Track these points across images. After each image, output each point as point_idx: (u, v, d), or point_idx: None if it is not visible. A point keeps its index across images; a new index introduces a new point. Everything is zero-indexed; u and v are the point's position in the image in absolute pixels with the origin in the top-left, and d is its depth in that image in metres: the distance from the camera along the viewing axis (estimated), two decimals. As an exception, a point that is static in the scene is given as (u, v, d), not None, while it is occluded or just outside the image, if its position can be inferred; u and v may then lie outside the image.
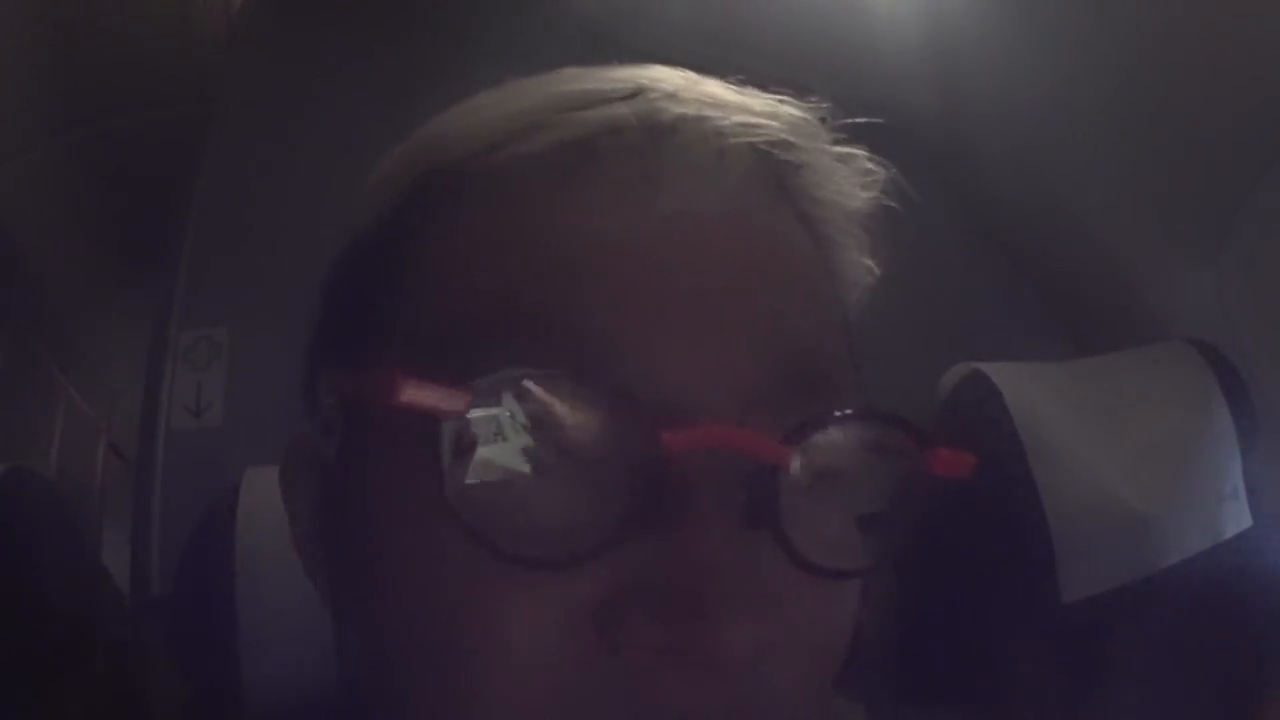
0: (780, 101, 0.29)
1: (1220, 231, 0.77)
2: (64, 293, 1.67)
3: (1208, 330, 0.77)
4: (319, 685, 0.47)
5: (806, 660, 0.26)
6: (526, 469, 0.24)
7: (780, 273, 0.27)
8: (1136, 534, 0.65)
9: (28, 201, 1.44)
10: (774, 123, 0.28)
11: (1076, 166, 0.87)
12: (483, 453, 0.23)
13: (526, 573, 0.22)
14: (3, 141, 1.34)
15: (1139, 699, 0.60)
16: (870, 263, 0.31)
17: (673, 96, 0.28)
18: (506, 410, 0.23)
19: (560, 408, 0.23)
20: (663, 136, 0.27)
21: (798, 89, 0.30)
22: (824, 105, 0.30)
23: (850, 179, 0.30)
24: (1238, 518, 0.70)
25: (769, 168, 0.28)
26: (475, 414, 0.23)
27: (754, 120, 0.28)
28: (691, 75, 0.30)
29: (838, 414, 0.26)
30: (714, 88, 0.29)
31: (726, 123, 0.27)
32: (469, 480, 0.23)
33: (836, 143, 0.30)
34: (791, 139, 0.28)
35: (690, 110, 0.27)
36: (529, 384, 0.23)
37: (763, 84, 0.30)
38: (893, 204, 0.31)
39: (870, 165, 0.30)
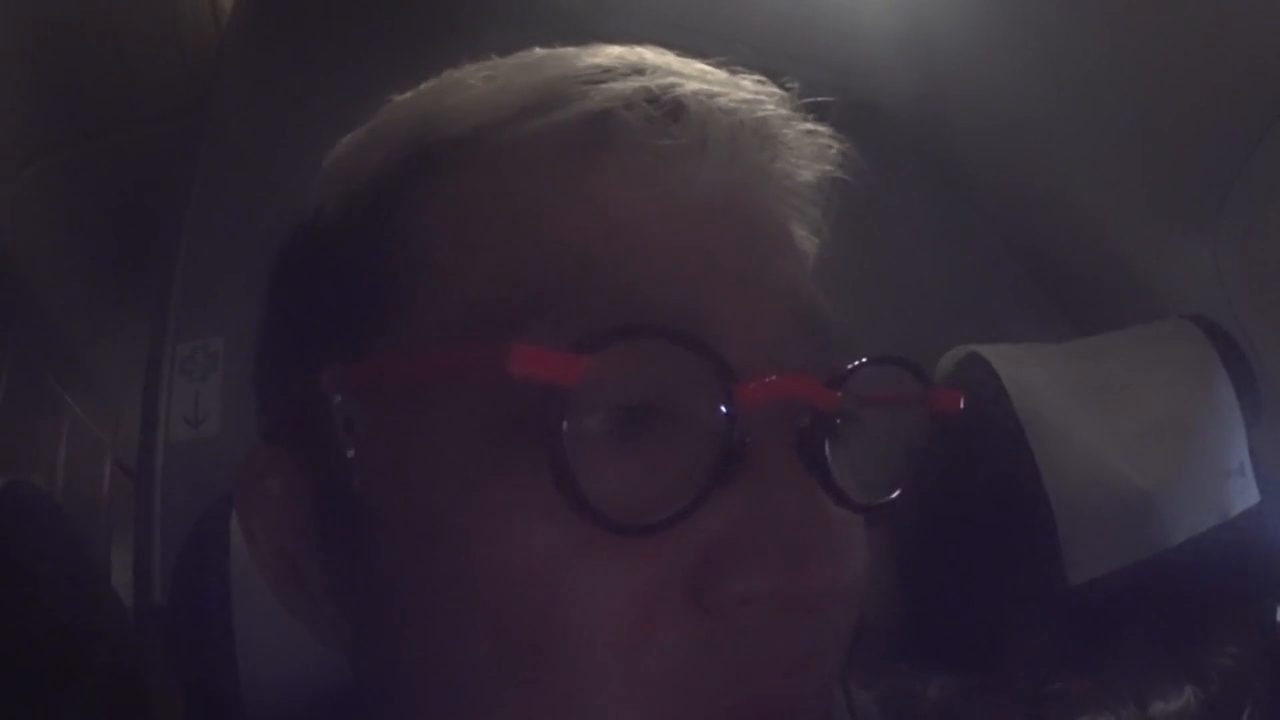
0: (761, 82, 0.31)
1: (1216, 202, 0.77)
2: (65, 310, 1.68)
3: (1207, 306, 0.77)
4: (319, 690, 0.47)
5: (854, 599, 0.28)
6: (615, 436, 0.24)
7: (784, 241, 0.30)
8: (1141, 512, 0.64)
9: (24, 220, 1.44)
10: (767, 100, 0.30)
11: (1065, 142, 0.86)
12: (591, 421, 0.24)
13: (626, 541, 0.23)
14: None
15: (1141, 675, 0.59)
16: (815, 235, 0.33)
17: (675, 73, 0.29)
18: (607, 377, 0.23)
19: (648, 373, 0.24)
20: (680, 112, 0.28)
21: (768, 73, 0.31)
22: (793, 85, 0.31)
23: (820, 155, 0.32)
24: (1244, 494, 0.69)
25: (765, 143, 0.30)
26: (594, 381, 0.23)
27: (752, 97, 0.29)
28: (674, 55, 0.31)
29: (868, 359, 0.28)
30: (704, 66, 0.30)
31: (731, 100, 0.28)
32: (578, 452, 0.23)
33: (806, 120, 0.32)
34: (783, 115, 0.30)
35: (699, 87, 0.28)
36: (629, 350, 0.23)
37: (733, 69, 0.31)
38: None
39: (831, 141, 0.32)
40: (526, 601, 0.23)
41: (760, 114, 0.29)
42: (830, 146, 0.32)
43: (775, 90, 0.31)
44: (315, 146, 0.34)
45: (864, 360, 0.28)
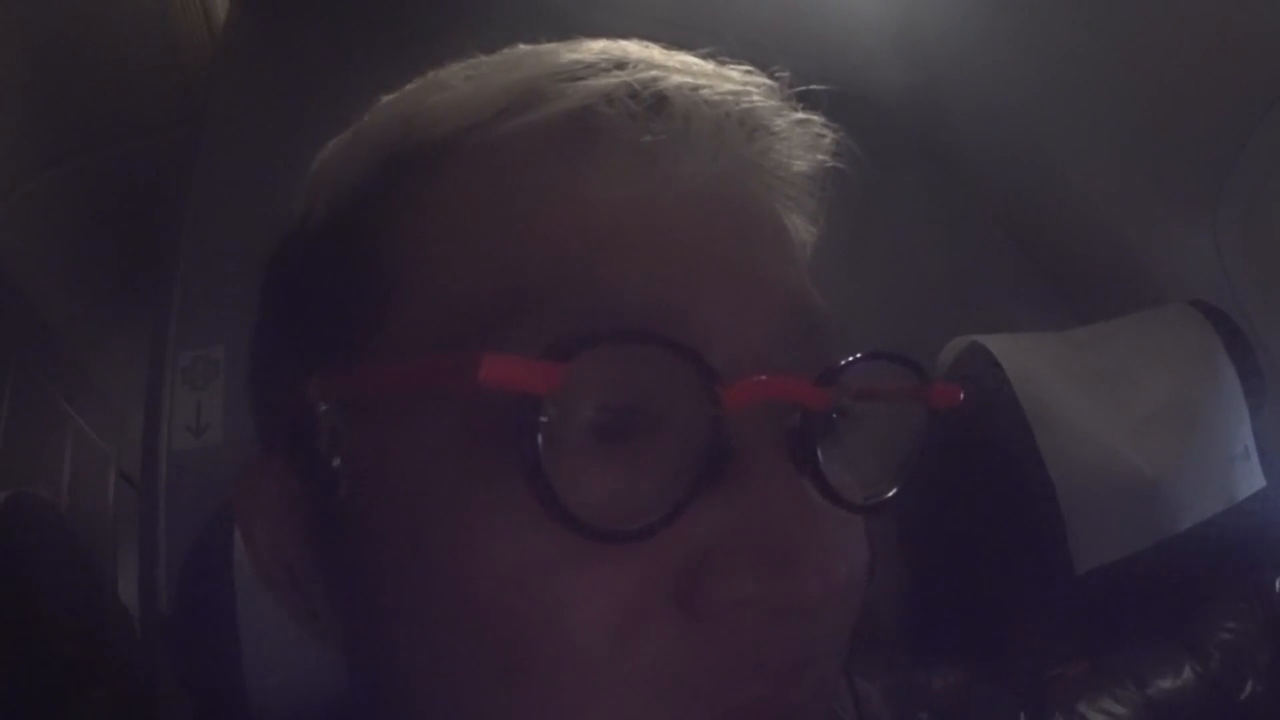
0: (749, 72, 0.30)
1: (1215, 186, 0.76)
2: (67, 322, 1.68)
3: (1208, 290, 0.76)
4: (323, 696, 0.47)
5: (850, 600, 0.27)
6: (598, 443, 0.24)
7: (774, 235, 0.29)
8: (1146, 499, 0.64)
9: (25, 233, 1.45)
10: (755, 91, 0.29)
11: (1062, 129, 0.86)
12: (571, 427, 0.23)
13: (609, 548, 0.22)
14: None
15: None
16: (812, 225, 0.33)
17: (659, 65, 0.28)
18: (585, 383, 0.23)
19: (629, 378, 0.24)
20: (663, 105, 0.27)
21: (759, 66, 0.31)
22: (783, 74, 0.30)
23: (813, 144, 0.31)
24: (1250, 478, 0.69)
25: (752, 134, 0.29)
26: (569, 389, 0.22)
27: (738, 89, 0.28)
28: (659, 48, 0.30)
29: (860, 355, 0.27)
30: (688, 58, 0.30)
31: (716, 92, 0.28)
32: (552, 459, 0.22)
33: (796, 110, 0.31)
34: (771, 105, 0.29)
35: (682, 79, 0.28)
36: (607, 355, 0.23)
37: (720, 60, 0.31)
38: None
39: (823, 130, 0.31)
40: (511, 612, 0.23)
41: (746, 105, 0.28)
42: (823, 136, 0.31)
43: (763, 81, 0.30)
44: (312, 152, 0.33)
45: (857, 356, 0.27)
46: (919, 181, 0.95)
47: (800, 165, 0.31)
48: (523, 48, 0.30)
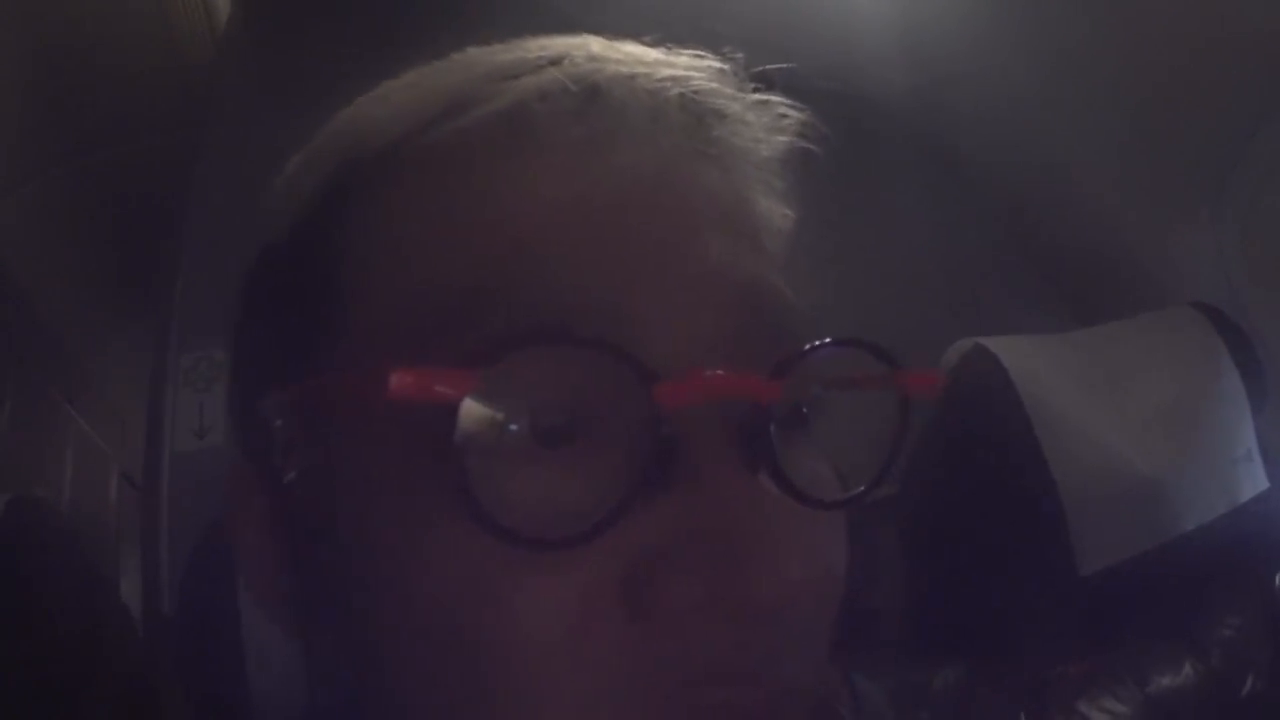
0: (698, 56, 0.29)
1: (1217, 187, 0.76)
2: (68, 324, 1.68)
3: (1210, 291, 0.76)
4: (323, 698, 0.47)
5: (819, 599, 0.26)
6: (532, 448, 0.23)
7: (729, 221, 0.27)
8: (1150, 500, 0.64)
9: (26, 236, 1.45)
10: (698, 75, 0.28)
11: (1064, 130, 0.86)
12: (490, 436, 0.22)
13: (548, 556, 0.22)
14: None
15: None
16: (787, 209, 0.31)
17: (597, 58, 0.27)
18: (513, 389, 0.22)
19: (562, 380, 0.23)
20: (596, 98, 0.26)
21: (756, 64, 0.30)
22: (738, 56, 0.29)
23: (776, 126, 0.30)
24: (1253, 480, 0.69)
25: (699, 119, 0.28)
26: (484, 396, 0.22)
27: (680, 73, 0.27)
28: (603, 40, 0.29)
29: (815, 344, 0.26)
30: (633, 47, 0.29)
31: (654, 79, 0.27)
32: (481, 469, 0.22)
33: (755, 91, 0.30)
34: (717, 88, 0.28)
35: (617, 70, 0.27)
36: (534, 358, 0.22)
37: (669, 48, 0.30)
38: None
39: (786, 111, 0.30)
40: (458, 626, 0.23)
41: (688, 90, 0.27)
42: (787, 117, 0.30)
43: (711, 64, 0.29)
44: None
45: (811, 346, 0.26)
46: (919, 181, 0.94)
47: (764, 148, 0.30)
48: (470, 50, 0.30)
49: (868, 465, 0.27)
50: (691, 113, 0.28)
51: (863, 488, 0.27)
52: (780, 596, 0.22)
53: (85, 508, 1.64)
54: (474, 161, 0.26)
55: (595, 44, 0.29)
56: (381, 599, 0.24)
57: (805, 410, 0.27)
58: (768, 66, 0.30)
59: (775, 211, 0.31)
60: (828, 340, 0.26)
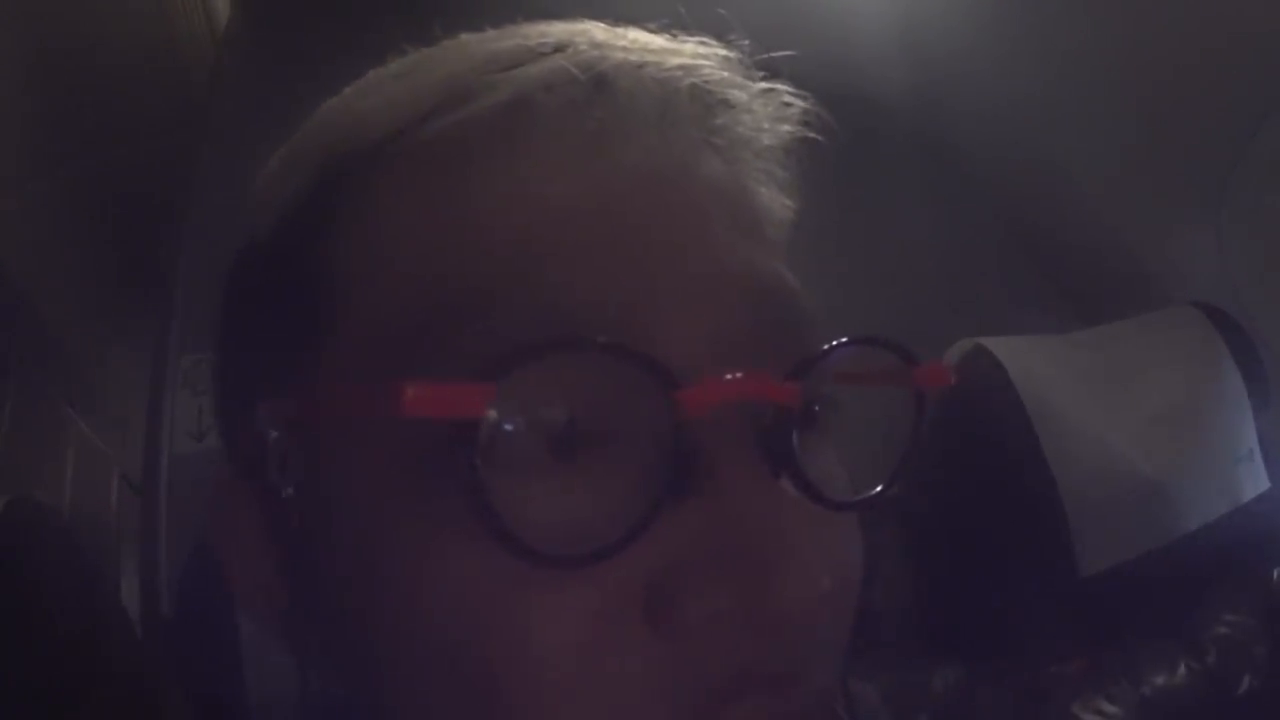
0: (703, 43, 0.28)
1: (1218, 187, 0.76)
2: (69, 326, 1.68)
3: (1211, 292, 0.76)
4: (323, 699, 0.47)
5: (842, 603, 0.25)
6: (549, 461, 0.22)
7: (740, 215, 0.26)
8: (1151, 501, 0.64)
9: (27, 238, 1.45)
10: (707, 64, 0.27)
11: (1065, 130, 0.86)
12: (507, 451, 0.21)
13: (567, 572, 0.21)
14: (-1, 180, 1.35)
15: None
16: (788, 200, 0.30)
17: (601, 45, 0.26)
18: (529, 399, 0.21)
19: (578, 388, 0.22)
20: (604, 88, 0.25)
21: (756, 64, 0.29)
22: (743, 43, 0.29)
23: (780, 114, 0.29)
24: (1255, 480, 0.69)
25: (708, 109, 0.27)
26: (500, 409, 0.21)
27: (689, 62, 0.27)
28: (606, 26, 0.28)
29: (835, 344, 0.25)
30: (637, 34, 0.28)
31: (663, 68, 0.26)
32: (499, 485, 0.21)
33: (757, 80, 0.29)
34: (727, 76, 0.28)
35: (625, 58, 0.26)
36: (550, 366, 0.21)
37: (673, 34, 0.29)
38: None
39: (791, 99, 0.29)
40: (471, 643, 0.22)
41: (698, 79, 0.26)
42: (790, 105, 0.29)
43: (718, 52, 0.28)
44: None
45: (833, 345, 0.25)
46: (919, 181, 0.94)
47: (768, 138, 0.29)
48: (463, 37, 0.28)
49: (875, 463, 0.27)
50: (701, 103, 0.27)
51: (880, 486, 0.26)
52: (810, 606, 0.21)
53: (85, 509, 1.64)
54: (476, 156, 0.25)
55: (598, 30, 0.27)
56: (386, 614, 0.24)
57: (817, 408, 0.26)
58: (772, 54, 0.29)
59: (777, 201, 0.30)
60: (845, 340, 0.25)
